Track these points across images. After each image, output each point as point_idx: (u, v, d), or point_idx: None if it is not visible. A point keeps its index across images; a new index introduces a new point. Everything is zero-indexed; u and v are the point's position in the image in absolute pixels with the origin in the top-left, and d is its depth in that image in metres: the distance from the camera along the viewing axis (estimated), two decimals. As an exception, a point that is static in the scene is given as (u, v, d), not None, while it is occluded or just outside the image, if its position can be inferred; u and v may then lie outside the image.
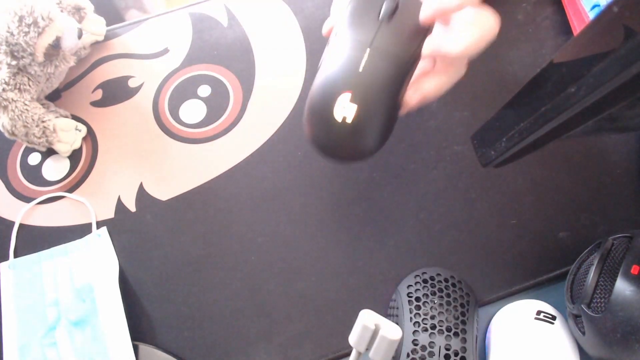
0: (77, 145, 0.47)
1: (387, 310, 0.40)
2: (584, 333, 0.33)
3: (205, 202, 0.44)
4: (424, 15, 0.32)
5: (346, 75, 0.31)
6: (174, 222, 0.44)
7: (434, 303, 0.37)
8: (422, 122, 0.45)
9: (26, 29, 0.40)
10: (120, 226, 0.44)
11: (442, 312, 0.37)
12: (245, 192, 0.44)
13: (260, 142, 0.46)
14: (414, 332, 0.36)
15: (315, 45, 0.49)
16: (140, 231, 0.43)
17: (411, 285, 0.38)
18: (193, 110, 0.47)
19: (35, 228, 0.44)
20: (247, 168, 0.45)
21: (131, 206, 0.44)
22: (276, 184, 0.44)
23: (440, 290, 0.38)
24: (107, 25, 0.51)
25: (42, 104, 0.45)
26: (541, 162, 0.43)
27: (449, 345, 0.35)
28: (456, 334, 0.36)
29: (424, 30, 0.34)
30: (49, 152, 0.47)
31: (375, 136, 0.32)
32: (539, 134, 0.27)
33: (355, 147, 0.32)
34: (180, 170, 0.45)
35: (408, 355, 0.35)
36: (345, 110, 0.31)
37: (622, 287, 0.31)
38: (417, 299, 0.37)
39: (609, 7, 0.22)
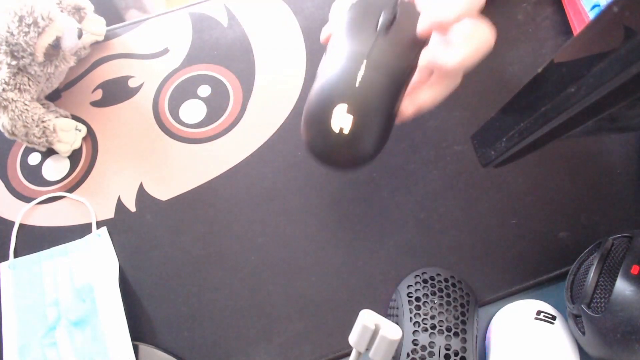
0: (77, 145, 0.47)
1: (387, 310, 0.40)
2: (584, 333, 0.33)
3: (205, 202, 0.44)
4: (421, 27, 0.33)
5: (343, 87, 0.32)
6: (174, 222, 0.44)
7: (434, 303, 0.37)
8: (422, 122, 0.45)
9: (26, 29, 0.40)
10: (120, 226, 0.44)
11: (442, 312, 0.37)
12: (245, 192, 0.44)
13: (260, 142, 0.46)
14: (414, 332, 0.36)
15: (315, 45, 0.49)
16: (140, 231, 0.43)
17: (411, 285, 0.38)
18: (193, 110, 0.47)
19: (35, 228, 0.44)
20: (247, 168, 0.45)
21: (131, 206, 0.44)
22: (276, 184, 0.44)
23: (440, 290, 0.38)
24: (107, 25, 0.51)
25: (42, 104, 0.46)
26: (541, 162, 0.43)
27: (449, 345, 0.35)
28: (456, 334, 0.36)
29: (421, 42, 0.34)
30: (49, 152, 0.47)
31: (371, 145, 0.33)
32: (539, 134, 0.27)
33: (352, 156, 0.33)
34: (180, 170, 0.45)
35: (408, 355, 0.35)
36: (342, 121, 0.31)
37: (622, 287, 0.31)
38: (417, 299, 0.37)
39: (609, 7, 0.22)
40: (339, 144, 0.32)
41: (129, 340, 0.39)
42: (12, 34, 0.40)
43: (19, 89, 0.43)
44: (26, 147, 0.47)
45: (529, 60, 0.47)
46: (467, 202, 0.43)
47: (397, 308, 0.38)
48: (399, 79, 0.33)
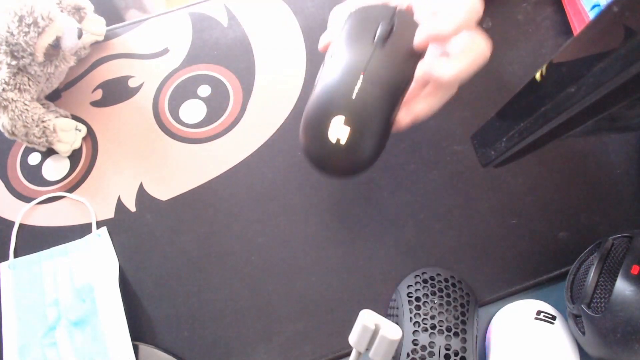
0: (77, 145, 0.47)
1: (387, 310, 0.40)
2: (584, 333, 0.33)
3: (205, 202, 0.44)
4: (418, 40, 0.33)
5: (340, 99, 0.32)
6: (174, 222, 0.44)
7: (434, 303, 0.37)
8: (422, 122, 0.45)
9: (26, 29, 0.40)
10: (120, 226, 0.44)
11: (442, 312, 0.37)
12: (245, 192, 0.44)
13: (260, 142, 0.46)
14: (414, 332, 0.36)
15: (315, 46, 0.49)
16: (140, 231, 0.43)
17: (411, 285, 0.38)
18: (193, 110, 0.47)
19: (35, 228, 0.44)
20: (247, 168, 0.45)
21: (131, 206, 0.44)
22: (276, 184, 0.44)
23: (440, 290, 0.38)
24: (107, 25, 0.51)
25: (42, 104, 0.46)
26: (541, 162, 0.43)
27: (449, 345, 0.35)
28: (456, 334, 0.36)
29: (418, 54, 0.34)
30: (49, 152, 0.47)
31: (367, 155, 0.34)
32: (539, 134, 0.27)
33: (348, 165, 0.34)
34: (180, 170, 0.45)
35: (408, 355, 0.35)
36: (339, 132, 0.32)
37: (622, 287, 0.31)
38: (417, 299, 0.37)
39: (609, 7, 0.22)
40: (335, 154, 0.33)
41: (129, 340, 0.39)
42: (12, 34, 0.40)
43: (19, 89, 0.43)
44: (26, 147, 0.47)
45: (529, 60, 0.47)
46: (467, 202, 0.43)
47: (397, 308, 0.38)
48: (395, 90, 0.33)
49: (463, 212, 0.42)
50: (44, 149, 0.46)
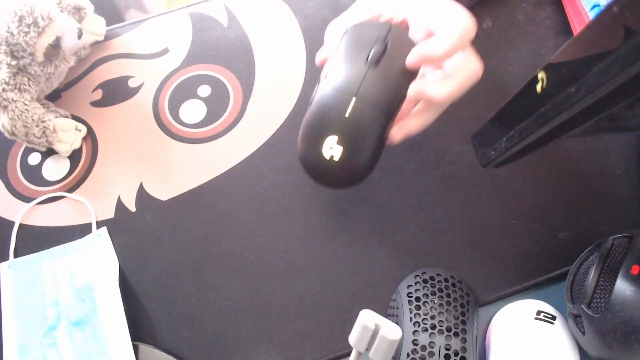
0: (77, 145, 0.47)
1: (387, 310, 0.40)
2: (584, 333, 0.33)
3: (205, 202, 0.44)
4: (410, 60, 0.34)
5: (333, 120, 0.33)
6: (174, 222, 0.44)
7: (434, 303, 0.37)
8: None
9: (26, 29, 0.40)
10: (120, 226, 0.44)
11: (442, 312, 0.37)
12: (245, 192, 0.44)
13: (260, 142, 0.46)
14: (414, 332, 0.36)
15: (315, 45, 0.49)
16: (140, 231, 0.43)
17: (411, 285, 0.38)
18: (193, 110, 0.47)
19: (35, 228, 0.44)
20: (247, 168, 0.45)
21: (131, 206, 0.44)
22: (276, 184, 0.44)
23: (440, 290, 0.38)
24: (107, 25, 0.51)
25: (42, 104, 0.46)
26: (541, 162, 0.43)
27: (449, 345, 0.35)
28: (456, 334, 0.36)
29: (411, 73, 0.35)
30: (49, 152, 0.47)
31: (360, 170, 0.35)
32: (539, 134, 0.27)
33: (342, 180, 0.35)
34: (180, 170, 0.45)
35: (408, 355, 0.35)
36: (332, 150, 0.34)
37: (622, 287, 0.31)
38: (417, 299, 0.37)
39: (609, 7, 0.22)
40: (329, 169, 0.34)
41: (129, 340, 0.39)
42: (12, 34, 0.40)
43: (19, 89, 0.43)
44: (26, 147, 0.47)
45: (529, 60, 0.47)
46: (467, 202, 0.43)
47: (397, 308, 0.38)
48: (388, 109, 0.34)
49: (463, 212, 0.42)
50: (44, 149, 0.46)
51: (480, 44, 0.48)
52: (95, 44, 0.50)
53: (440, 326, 0.36)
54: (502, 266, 0.41)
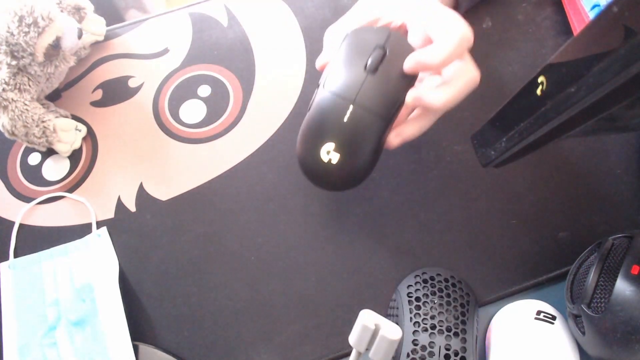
0: (77, 145, 0.47)
1: (387, 310, 0.40)
2: (584, 333, 0.33)
3: (205, 202, 0.44)
4: (407, 66, 0.34)
5: (331, 126, 0.34)
6: (174, 222, 0.44)
7: (434, 303, 0.37)
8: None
9: (26, 29, 0.40)
10: (120, 226, 0.44)
11: (442, 312, 0.37)
12: (245, 192, 0.44)
13: (260, 142, 0.46)
14: (414, 332, 0.36)
15: (315, 46, 0.49)
16: (140, 231, 0.43)
17: (411, 285, 0.38)
18: (193, 110, 0.47)
19: (35, 228, 0.44)
20: (247, 168, 0.45)
21: (131, 206, 0.44)
22: (276, 184, 0.44)
23: (440, 290, 0.38)
24: (107, 25, 0.51)
25: (42, 104, 0.46)
26: (541, 162, 0.43)
27: (449, 345, 0.35)
28: (456, 334, 0.36)
29: (409, 80, 0.35)
30: (49, 152, 0.47)
31: (358, 174, 0.36)
32: (539, 134, 0.27)
33: (340, 183, 0.36)
34: (180, 170, 0.45)
35: (408, 355, 0.35)
36: (329, 155, 0.34)
37: (622, 287, 0.31)
38: (417, 299, 0.37)
39: (609, 7, 0.22)
40: (327, 172, 0.35)
41: (129, 340, 0.39)
42: (12, 34, 0.40)
43: (19, 89, 0.43)
44: (26, 147, 0.47)
45: (529, 60, 0.47)
46: (467, 202, 0.43)
47: (397, 308, 0.38)
48: (386, 116, 0.35)
49: (463, 212, 0.42)
50: (44, 149, 0.46)
51: (480, 44, 0.48)
52: (95, 44, 0.50)
53: (440, 326, 0.36)
54: (502, 266, 0.41)
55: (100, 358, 0.38)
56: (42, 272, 0.42)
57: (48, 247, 0.43)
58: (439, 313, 0.37)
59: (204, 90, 0.48)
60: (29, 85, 0.43)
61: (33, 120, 0.43)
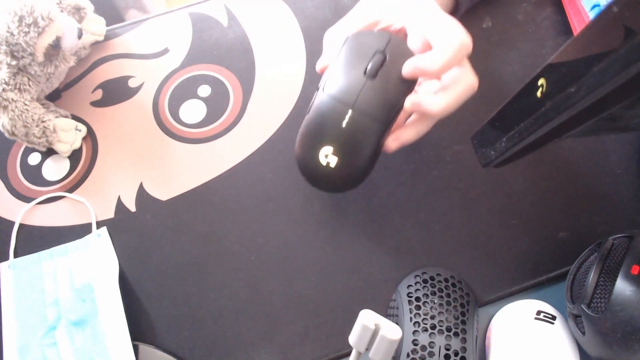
0: (77, 145, 0.47)
1: (387, 310, 0.40)
2: (584, 333, 0.33)
3: (205, 202, 0.44)
4: (405, 71, 0.34)
5: (329, 132, 0.35)
6: (174, 222, 0.44)
7: (434, 303, 0.37)
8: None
9: (26, 29, 0.40)
10: (120, 226, 0.44)
11: (442, 312, 0.37)
12: (245, 192, 0.44)
13: (260, 142, 0.46)
14: (414, 332, 0.36)
15: (315, 46, 0.49)
16: (140, 231, 0.43)
17: (411, 285, 0.38)
18: (193, 110, 0.47)
19: (35, 228, 0.44)
20: (247, 168, 0.45)
21: (131, 206, 0.44)
22: (276, 184, 0.44)
23: (440, 290, 0.38)
24: (107, 25, 0.51)
25: (42, 104, 0.46)
26: (541, 162, 0.43)
27: (449, 345, 0.35)
28: (456, 334, 0.36)
29: (408, 86, 0.35)
30: (49, 152, 0.47)
31: (356, 177, 0.37)
32: (539, 133, 0.27)
33: (337, 185, 0.37)
34: (180, 170, 0.45)
35: (408, 355, 0.35)
36: (328, 158, 0.35)
37: (622, 287, 0.31)
38: (417, 299, 0.37)
39: (609, 7, 0.22)
40: (325, 175, 0.36)
41: (129, 340, 0.39)
42: (12, 34, 0.40)
43: (19, 89, 0.43)
44: (26, 147, 0.47)
45: (529, 60, 0.47)
46: (467, 202, 0.43)
47: (397, 308, 0.38)
48: (384, 121, 0.35)
49: (463, 212, 0.42)
50: (44, 149, 0.46)
51: (480, 44, 0.48)
52: (95, 44, 0.50)
53: (440, 326, 0.36)
54: (502, 266, 0.41)
55: (100, 358, 0.38)
56: (42, 272, 0.42)
57: (48, 247, 0.43)
58: (439, 313, 0.37)
59: (204, 90, 0.48)
60: (29, 85, 0.43)
61: (33, 120, 0.43)
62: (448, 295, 0.37)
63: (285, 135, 0.46)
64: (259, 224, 0.43)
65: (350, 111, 0.34)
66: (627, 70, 0.20)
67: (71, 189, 0.45)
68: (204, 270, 0.42)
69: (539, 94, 0.27)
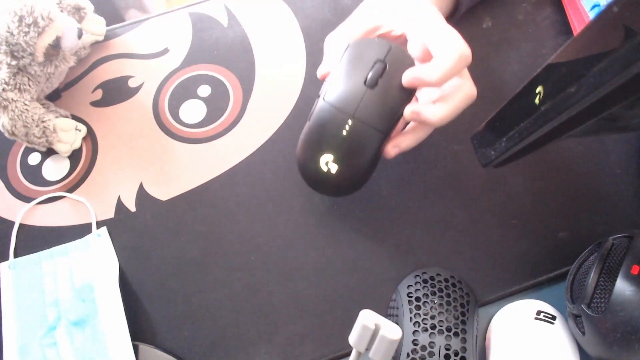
0: (77, 145, 0.47)
1: (387, 310, 0.40)
2: (584, 333, 0.33)
3: (205, 202, 0.44)
4: (405, 80, 0.35)
5: (330, 140, 0.35)
6: (174, 222, 0.44)
7: (434, 303, 0.37)
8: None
9: (26, 29, 0.40)
10: (120, 226, 0.44)
11: (442, 312, 0.37)
12: (245, 192, 0.44)
13: (260, 142, 0.46)
14: (414, 332, 0.36)
15: (315, 46, 0.49)
16: (140, 231, 0.43)
17: (411, 285, 0.38)
18: (193, 110, 0.47)
19: (35, 228, 0.44)
20: (247, 168, 0.45)
21: (131, 206, 0.44)
22: (276, 184, 0.44)
23: (440, 290, 0.38)
24: (107, 25, 0.51)
25: (42, 104, 0.46)
26: (541, 162, 0.43)
27: (449, 345, 0.35)
28: (456, 334, 0.36)
29: (408, 94, 0.36)
30: (49, 152, 0.47)
31: (355, 183, 0.38)
32: (539, 134, 0.27)
33: (337, 190, 0.38)
34: (180, 170, 0.45)
35: (408, 355, 0.35)
36: (328, 165, 0.36)
37: (622, 287, 0.31)
38: (417, 299, 0.37)
39: (609, 7, 0.22)
40: (326, 180, 0.37)
41: (129, 340, 0.39)
42: (12, 34, 0.40)
43: (19, 89, 0.43)
44: (26, 147, 0.47)
45: (529, 60, 0.47)
46: (467, 202, 0.43)
47: (397, 308, 0.38)
48: (384, 129, 0.35)
49: (463, 212, 0.42)
50: (44, 149, 0.46)
51: (480, 44, 0.48)
52: (95, 44, 0.50)
53: (440, 326, 0.36)
54: (502, 266, 0.41)
55: (100, 358, 0.38)
56: (42, 272, 0.42)
57: (48, 247, 0.43)
58: (439, 313, 0.37)
59: (204, 90, 0.48)
60: (29, 85, 0.43)
61: (33, 120, 0.43)
62: (448, 295, 0.37)
63: (285, 135, 0.46)
64: (259, 224, 0.43)
65: (350, 120, 0.34)
66: (627, 70, 0.20)
67: (71, 189, 0.45)
68: (203, 270, 0.42)
69: (537, 100, 0.27)
